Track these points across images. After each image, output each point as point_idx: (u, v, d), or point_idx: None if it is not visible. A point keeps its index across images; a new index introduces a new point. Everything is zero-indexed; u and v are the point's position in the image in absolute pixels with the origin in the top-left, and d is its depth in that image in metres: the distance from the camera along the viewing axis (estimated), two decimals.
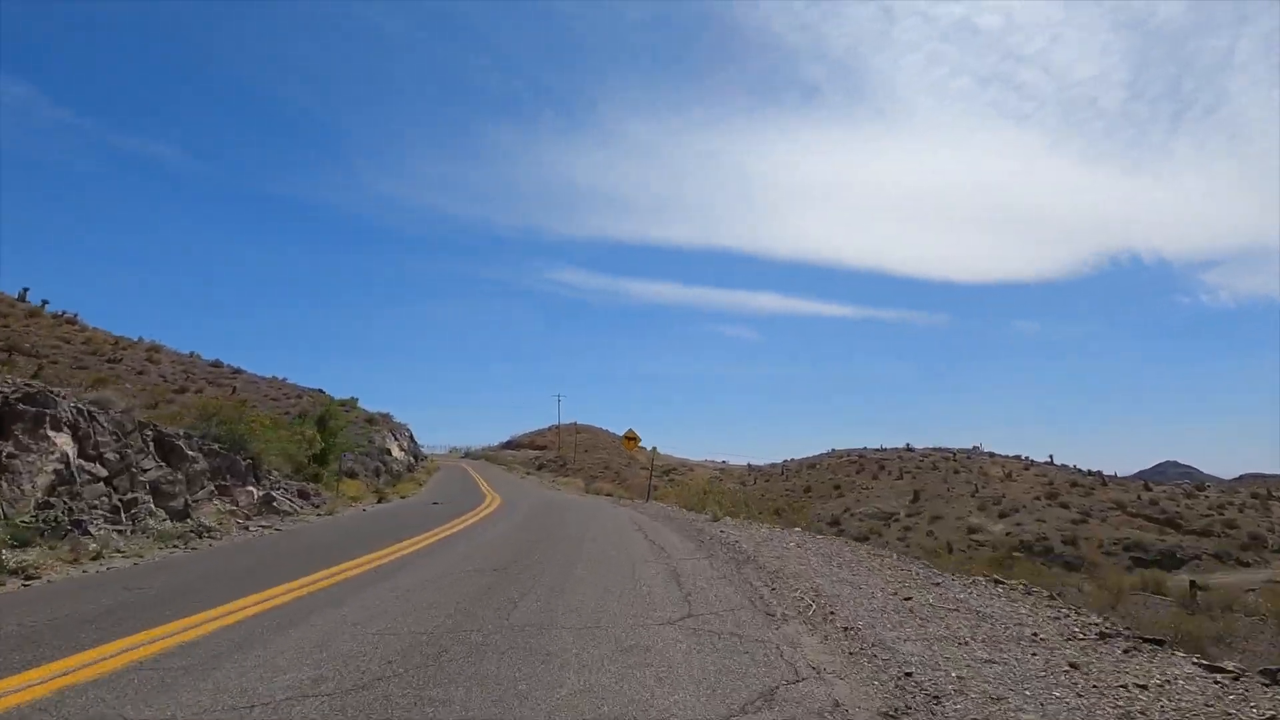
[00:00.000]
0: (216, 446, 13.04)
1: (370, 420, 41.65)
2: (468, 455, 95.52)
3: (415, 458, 50.16)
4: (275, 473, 15.73)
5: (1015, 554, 52.83)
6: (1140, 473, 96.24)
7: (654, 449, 23.70)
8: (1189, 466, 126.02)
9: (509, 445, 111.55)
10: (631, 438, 27.60)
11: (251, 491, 13.33)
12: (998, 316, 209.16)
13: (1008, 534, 55.96)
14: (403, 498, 26.72)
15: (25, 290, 46.23)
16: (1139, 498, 63.19)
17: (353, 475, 30.68)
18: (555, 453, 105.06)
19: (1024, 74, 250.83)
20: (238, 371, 46.80)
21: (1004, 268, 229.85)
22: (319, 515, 15.43)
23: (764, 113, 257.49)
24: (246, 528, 11.99)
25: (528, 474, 58.52)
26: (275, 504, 13.92)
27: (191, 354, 48.22)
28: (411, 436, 50.47)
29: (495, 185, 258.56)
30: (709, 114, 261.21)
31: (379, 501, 22.59)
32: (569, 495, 29.83)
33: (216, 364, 47.31)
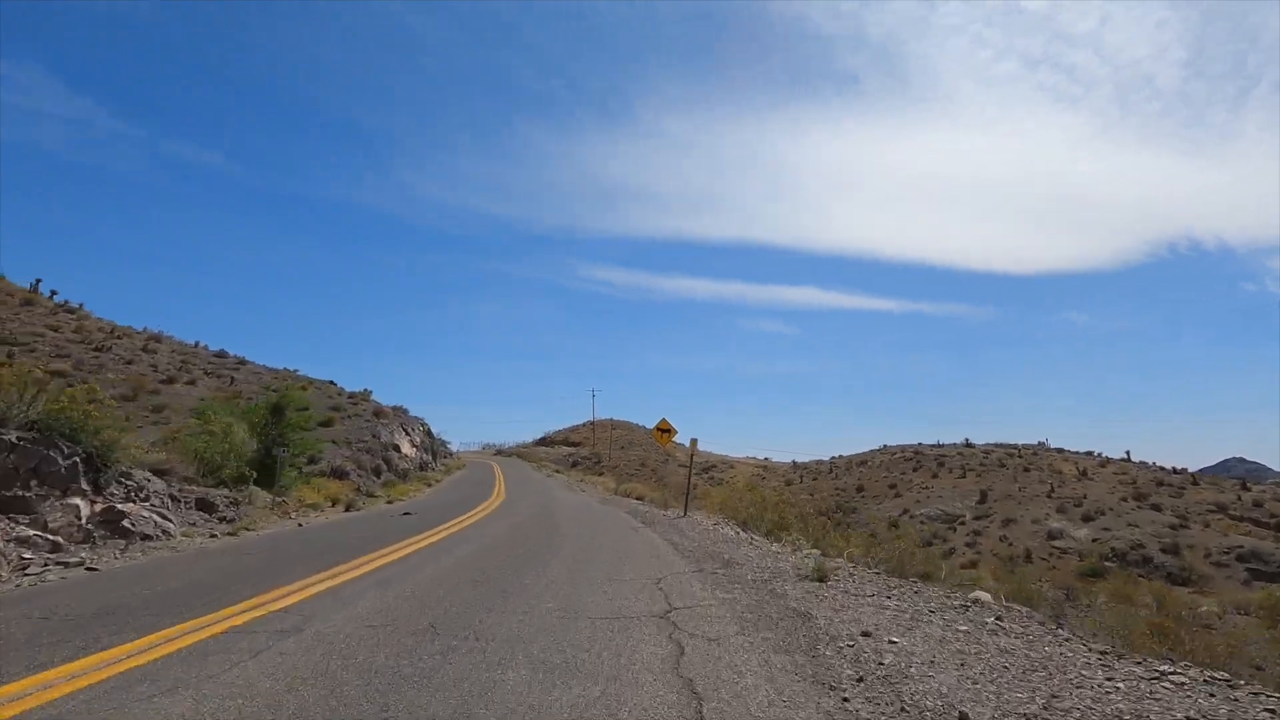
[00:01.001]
0: (15, 437, 8.32)
1: (378, 413, 37.30)
2: (500, 453, 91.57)
3: (433, 455, 45.82)
4: (152, 476, 10.96)
5: (1106, 563, 46.02)
6: (1204, 469, 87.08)
7: (694, 441, 18.23)
8: (1255, 462, 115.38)
9: (543, 442, 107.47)
10: (665, 429, 22.41)
11: (77, 505, 8.57)
12: (1047, 308, 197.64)
13: (1095, 540, 49.08)
14: (389, 502, 22.06)
15: (38, 281, 43.38)
16: (1239, 498, 55.49)
17: (342, 475, 26.17)
18: (590, 449, 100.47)
19: (1074, 55, 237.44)
20: (242, 362, 43.14)
21: (1053, 257, 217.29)
22: (212, 538, 10.62)
23: (801, 104, 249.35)
24: (25, 568, 7.19)
25: (556, 472, 53.79)
26: (128, 522, 9.14)
27: (196, 344, 44.85)
28: (429, 432, 46.15)
29: (532, 185, 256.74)
30: (744, 108, 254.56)
31: (347, 510, 17.87)
32: (590, 499, 24.76)
33: (221, 354, 43.77)
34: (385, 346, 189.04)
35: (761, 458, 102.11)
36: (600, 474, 75.82)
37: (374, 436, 33.48)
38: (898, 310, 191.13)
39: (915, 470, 71.32)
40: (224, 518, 12.03)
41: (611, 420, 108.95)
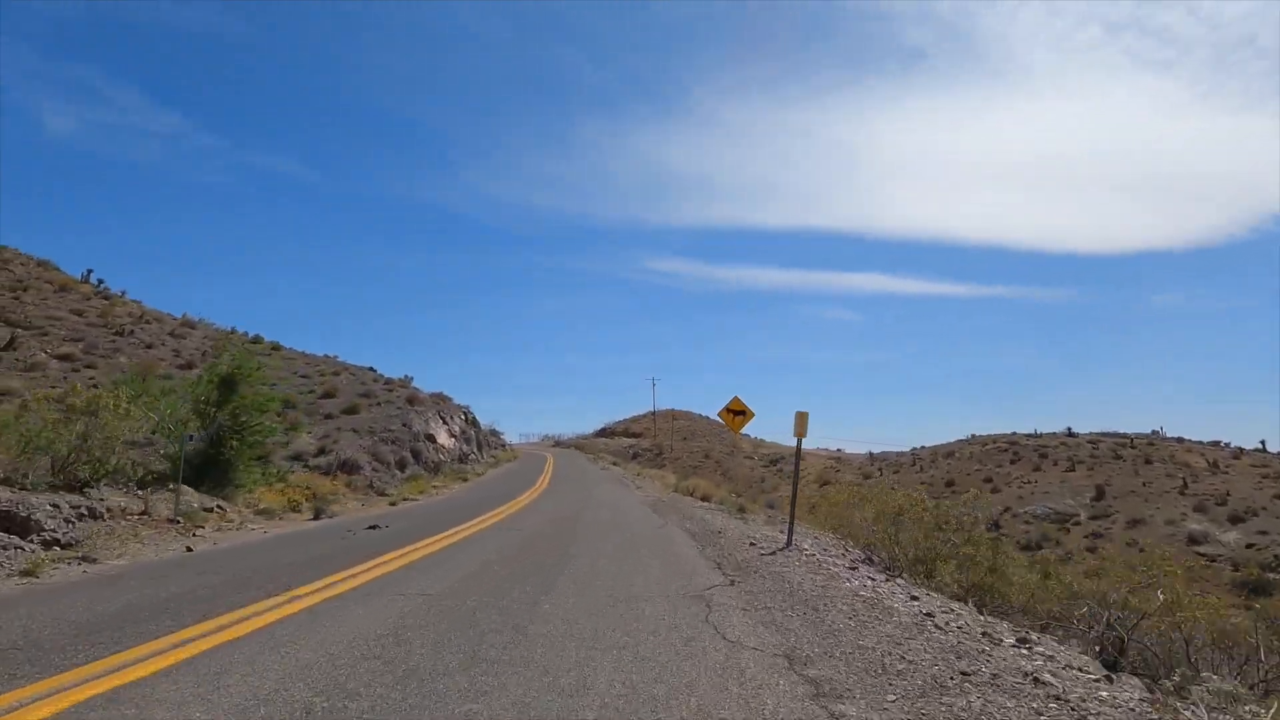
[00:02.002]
0: None
1: (412, 400, 33.31)
2: (558, 444, 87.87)
3: (479, 446, 41.80)
4: None
5: (1269, 575, 37.87)
6: None
7: (801, 419, 11.52)
8: None
9: (603, 433, 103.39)
10: (737, 411, 17.08)
11: None
12: (1135, 289, 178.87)
13: (1249, 546, 40.83)
14: (392, 504, 17.57)
15: (88, 271, 41.66)
16: None
17: (351, 469, 22.00)
18: (651, 440, 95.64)
19: (1164, 15, 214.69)
20: (276, 347, 40.18)
21: (1141, 235, 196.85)
22: None
23: (863, 84, 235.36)
24: None
25: (612, 464, 49.08)
26: None
27: (232, 329, 42.24)
28: (473, 421, 42.14)
29: (590, 178, 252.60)
30: (803, 90, 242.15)
31: (316, 517, 13.34)
32: (642, 500, 19.67)
33: (256, 339, 40.95)
34: (447, 341, 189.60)
35: (833, 449, 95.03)
36: (661, 466, 70.88)
37: (404, 425, 29.41)
38: (970, 295, 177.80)
39: (1013, 463, 63.35)
40: (51, 540, 7.52)
41: (673, 410, 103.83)
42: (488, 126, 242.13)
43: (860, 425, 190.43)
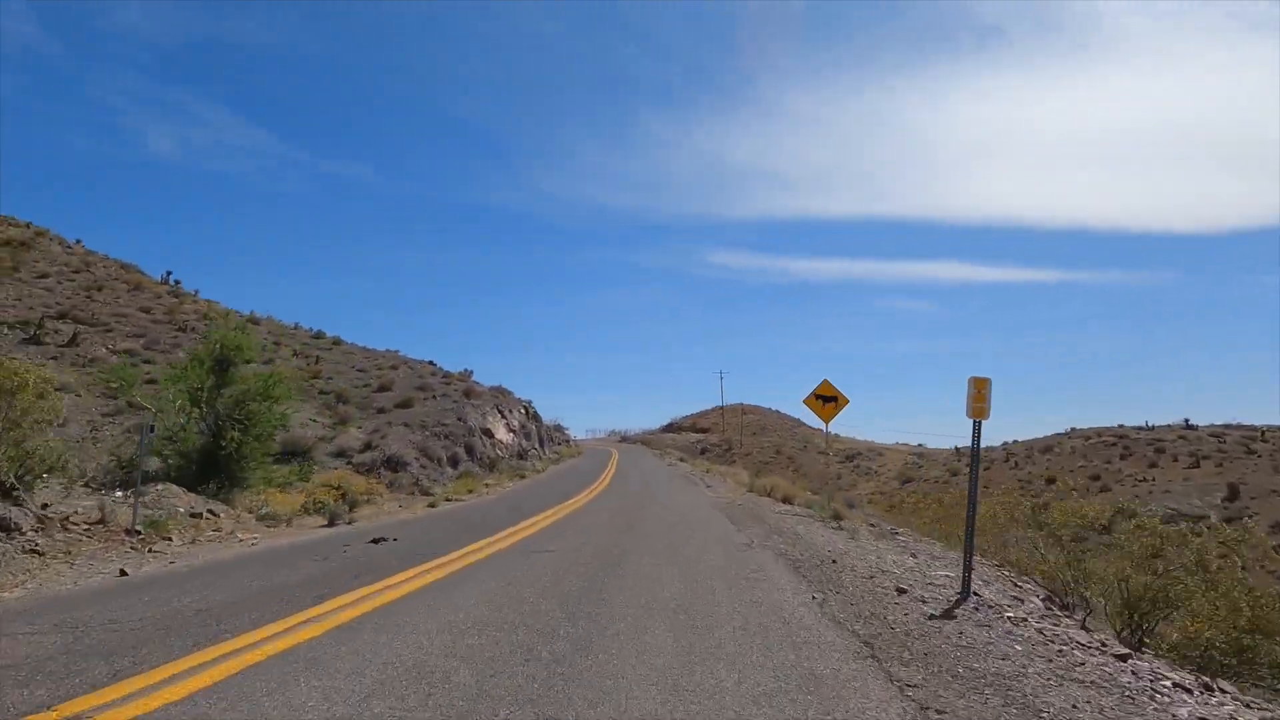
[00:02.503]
0: None
1: (470, 393, 31.61)
2: (624, 440, 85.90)
3: (540, 441, 39.96)
4: None
5: None
6: None
7: (979, 385, 7.46)
8: None
9: (669, 428, 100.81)
10: (827, 397, 14.14)
11: None
12: (1239, 270, 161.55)
13: None
14: (431, 505, 15.47)
15: (168, 273, 42.32)
16: None
17: (397, 466, 20.21)
18: (720, 435, 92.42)
19: None
20: (337, 342, 39.43)
21: (1243, 212, 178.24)
22: None
23: (933, 63, 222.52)
24: None
25: (679, 460, 46.44)
26: None
27: (295, 325, 41.87)
28: (534, 415, 40.32)
29: (653, 173, 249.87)
30: (871, 73, 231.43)
31: (330, 524, 11.25)
32: (710, 502, 16.95)
33: (319, 335, 40.38)
34: (512, 338, 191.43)
35: (914, 443, 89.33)
36: (730, 463, 67.70)
37: (459, 420, 27.65)
38: (1051, 280, 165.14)
39: (1124, 458, 57.01)
40: None
41: (742, 405, 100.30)
42: (549, 126, 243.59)
43: (938, 420, 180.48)
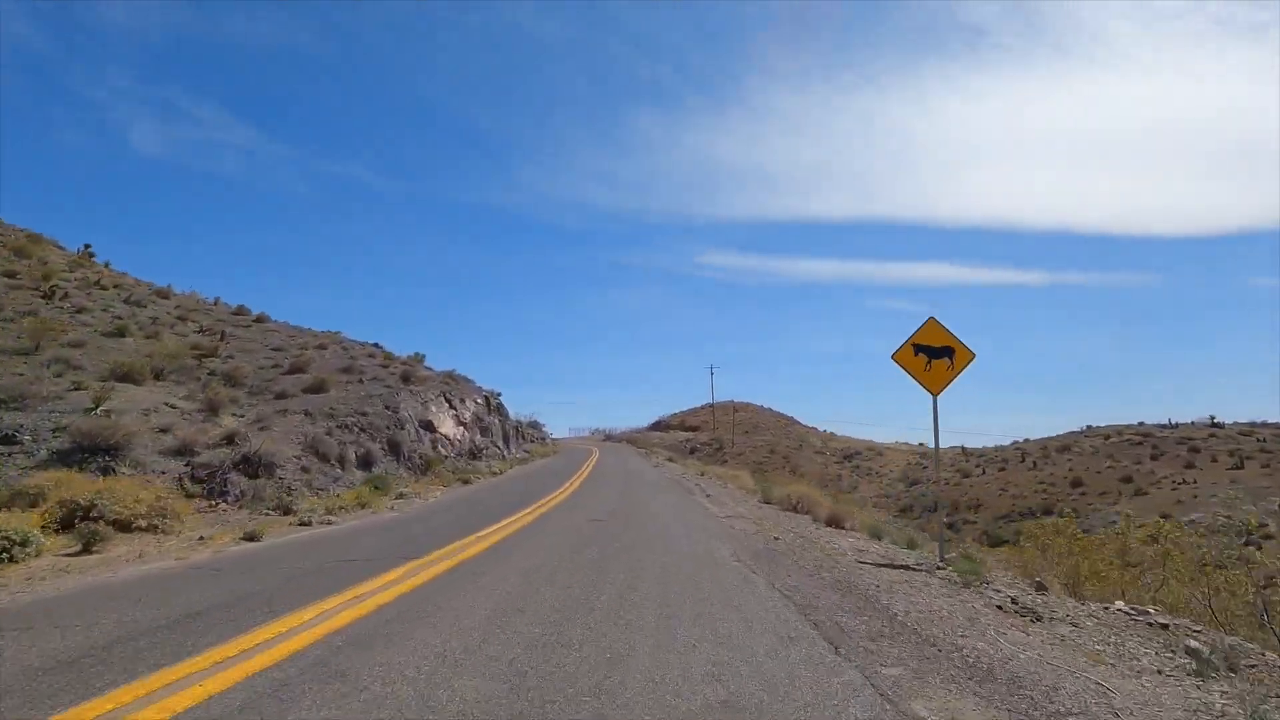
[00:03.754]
0: None
1: (408, 378, 25.18)
2: (609, 438, 79.51)
3: (505, 438, 33.56)
4: None
5: None
6: None
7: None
8: None
9: (656, 426, 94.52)
10: (932, 349, 7.95)
11: None
12: (1225, 273, 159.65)
13: None
14: (253, 539, 9.00)
15: (86, 246, 35.59)
16: None
17: (262, 469, 13.83)
18: (710, 434, 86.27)
19: None
20: (260, 319, 32.80)
21: (1231, 215, 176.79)
22: None
23: (922, 66, 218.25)
24: None
25: (668, 460, 40.20)
26: None
27: (216, 301, 35.24)
28: (498, 408, 33.89)
29: (643, 174, 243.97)
30: (861, 76, 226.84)
31: None
32: (722, 528, 10.68)
33: (240, 310, 33.77)
34: (503, 336, 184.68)
35: (916, 444, 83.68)
36: (722, 463, 61.50)
37: (387, 409, 21.23)
38: (1038, 282, 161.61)
39: (1154, 458, 51.48)
40: None
41: (733, 402, 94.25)
42: (541, 126, 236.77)
43: (926, 418, 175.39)
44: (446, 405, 25.86)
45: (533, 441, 45.80)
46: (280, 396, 20.47)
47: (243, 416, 17.87)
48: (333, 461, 16.04)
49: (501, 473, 25.48)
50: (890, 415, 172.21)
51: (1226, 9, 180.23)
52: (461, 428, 26.06)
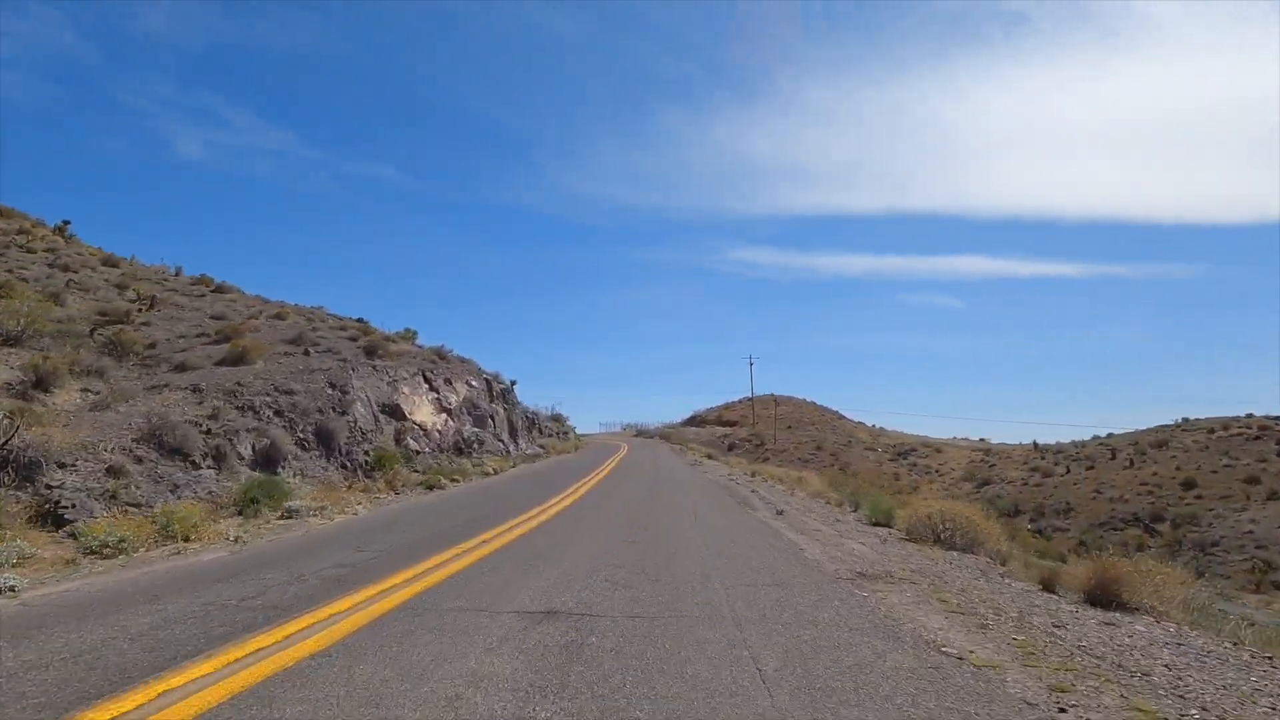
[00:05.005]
0: None
1: (372, 350, 19.41)
2: (641, 433, 73.49)
3: (511, 430, 27.72)
4: None
5: None
6: None
7: None
8: None
9: (692, 421, 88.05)
10: None
11: None
12: (1274, 262, 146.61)
13: None
14: None
15: (66, 222, 30.92)
16: None
17: (29, 472, 7.88)
18: (749, 429, 79.43)
19: None
20: (219, 289, 27.47)
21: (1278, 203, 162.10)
22: None
23: (957, 54, 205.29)
24: None
25: (706, 457, 33.91)
26: None
27: (177, 271, 30.23)
28: (502, 394, 28.04)
29: (672, 170, 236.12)
30: (894, 65, 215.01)
31: None
32: (882, 623, 4.26)
33: (201, 279, 28.58)
34: (533, 333, 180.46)
35: (976, 439, 75.75)
36: (764, 459, 54.86)
37: (332, 387, 15.47)
38: (1080, 275, 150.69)
39: None
40: None
41: (774, 396, 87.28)
42: (570, 125, 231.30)
43: (968, 413, 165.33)
44: (425, 386, 20.02)
45: (552, 436, 39.96)
46: (180, 369, 14.83)
47: (95, 394, 12.23)
48: (193, 459, 10.19)
49: (498, 472, 19.56)
50: (936, 410, 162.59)
51: None
52: (444, 415, 20.19)
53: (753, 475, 22.11)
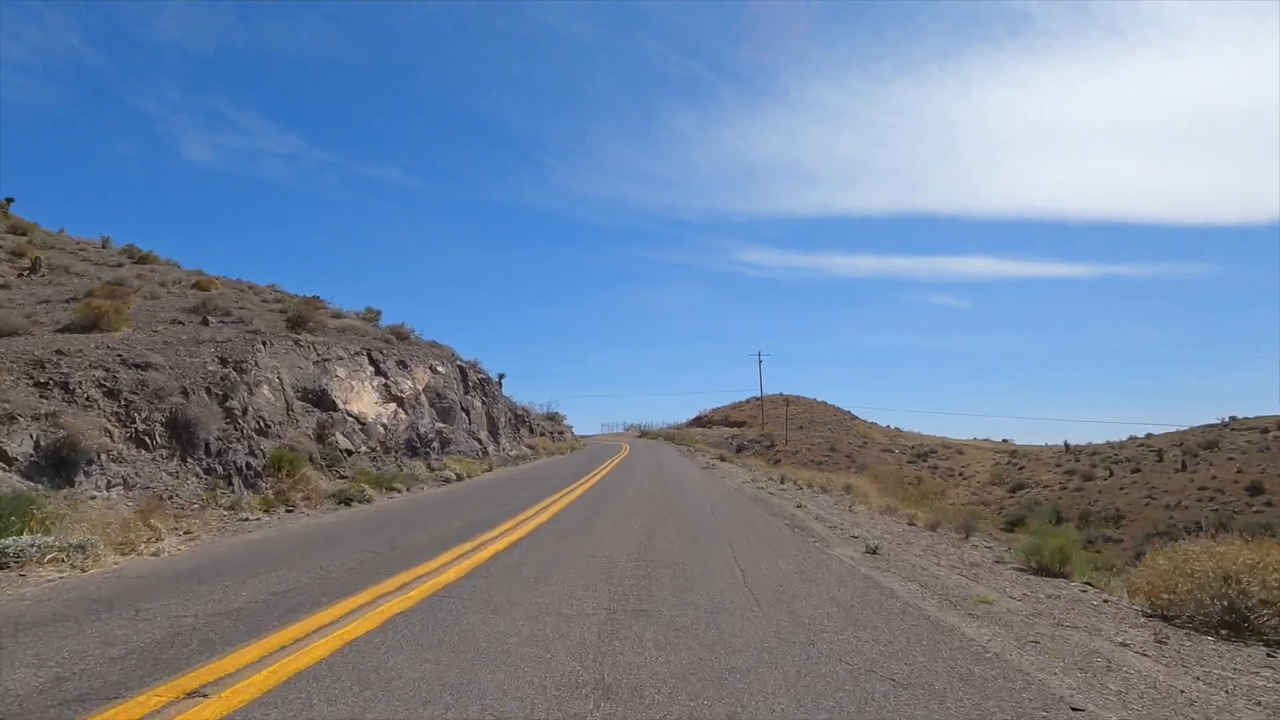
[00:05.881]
0: None
1: (299, 323, 15.12)
2: (644, 434, 69.10)
3: (491, 428, 23.47)
4: None
5: None
6: None
7: None
8: None
9: (697, 422, 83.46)
10: None
11: None
12: None
13: None
14: None
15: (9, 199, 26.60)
16: None
17: None
18: (758, 430, 74.96)
19: None
20: (144, 259, 23.14)
21: None
22: None
23: (965, 53, 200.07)
24: None
25: (718, 459, 29.57)
26: None
27: (103, 243, 26.06)
28: (479, 386, 23.73)
29: (678, 171, 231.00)
30: (901, 65, 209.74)
31: None
32: None
33: (128, 249, 24.37)
34: (537, 333, 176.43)
35: (999, 439, 71.28)
36: (776, 462, 50.40)
37: (224, 364, 11.20)
38: (1090, 275, 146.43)
39: None
40: None
41: (784, 395, 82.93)
42: (577, 125, 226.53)
43: (977, 413, 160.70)
44: (370, 370, 15.73)
45: (545, 435, 35.66)
46: (9, 334, 10.55)
47: None
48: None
49: (463, 478, 15.27)
50: (948, 409, 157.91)
51: None
52: (394, 406, 15.88)
53: (781, 481, 17.77)
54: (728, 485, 15.70)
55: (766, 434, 71.60)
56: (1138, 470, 45.69)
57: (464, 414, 21.14)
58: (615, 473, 17.95)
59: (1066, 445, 59.20)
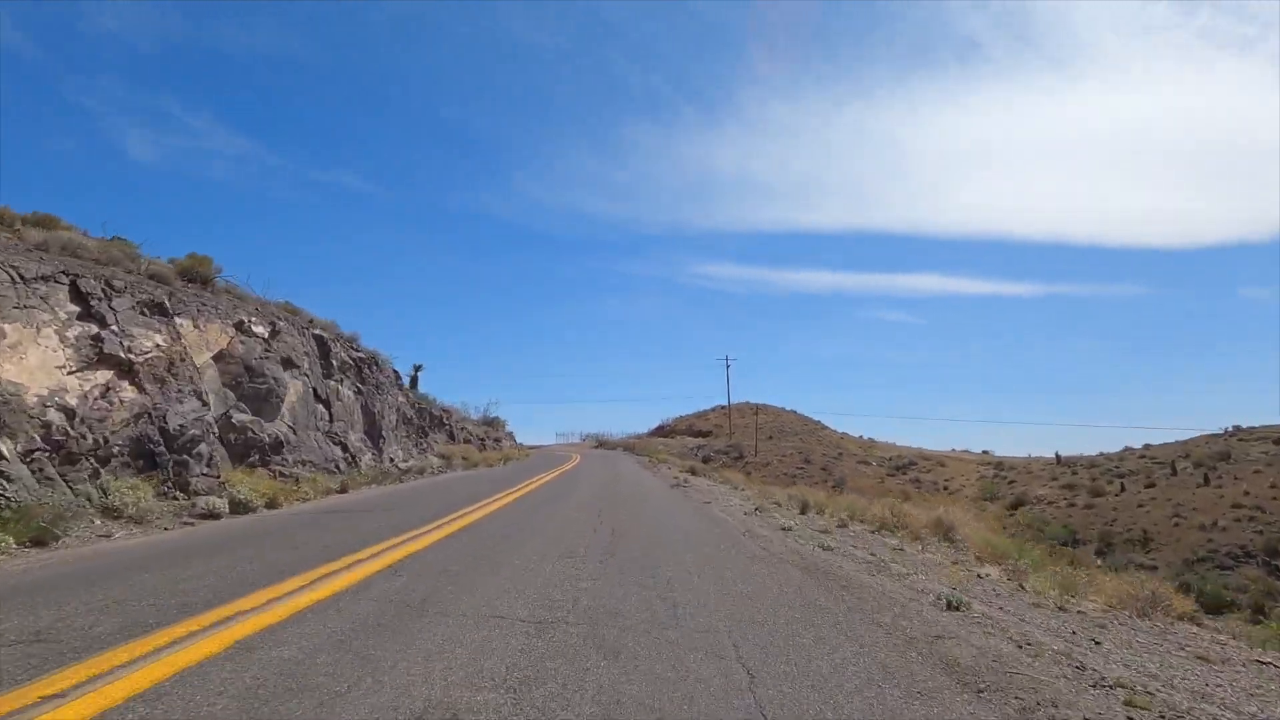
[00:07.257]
0: None
1: (116, 286, 7.95)
2: (602, 444, 62.04)
3: (374, 430, 16.38)
4: None
5: None
6: None
7: None
8: None
9: (659, 431, 76.69)
10: None
11: None
12: (1218, 284, 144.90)
13: None
14: None
15: None
16: None
17: None
18: (727, 439, 68.63)
19: None
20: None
21: (1220, 227, 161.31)
22: None
23: (915, 78, 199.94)
24: None
25: (689, 473, 22.84)
26: None
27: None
28: (354, 367, 16.68)
29: (638, 183, 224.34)
30: (855, 87, 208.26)
31: None
32: None
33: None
34: (495, 342, 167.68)
35: (979, 451, 66.49)
36: (746, 474, 44.15)
37: None
38: (1032, 294, 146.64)
39: None
40: None
41: (752, 404, 76.98)
42: (537, 134, 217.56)
43: (937, 425, 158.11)
44: (69, 311, 8.57)
45: (470, 442, 28.49)
46: None
47: None
48: None
49: (253, 509, 8.27)
50: (915, 418, 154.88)
51: (1212, 21, 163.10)
52: (109, 375, 8.72)
53: (803, 510, 11.14)
54: (716, 517, 9.05)
55: (735, 444, 65.34)
56: (1151, 485, 40.63)
57: (320, 406, 14.06)
58: (548, 491, 11.10)
59: (1058, 457, 54.40)
